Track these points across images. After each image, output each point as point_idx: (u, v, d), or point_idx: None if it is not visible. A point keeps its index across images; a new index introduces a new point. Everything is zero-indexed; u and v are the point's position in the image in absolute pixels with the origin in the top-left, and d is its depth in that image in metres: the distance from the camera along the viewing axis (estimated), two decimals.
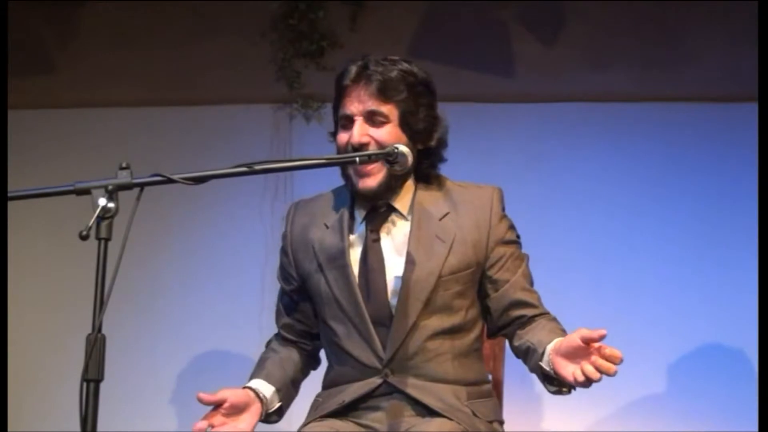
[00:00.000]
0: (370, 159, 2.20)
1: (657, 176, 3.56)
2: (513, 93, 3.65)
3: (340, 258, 2.31)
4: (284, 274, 2.46)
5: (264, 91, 3.69)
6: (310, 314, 2.43)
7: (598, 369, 1.93)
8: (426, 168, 2.36)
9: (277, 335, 2.51)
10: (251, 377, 2.38)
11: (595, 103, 3.62)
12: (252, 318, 3.52)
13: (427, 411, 2.22)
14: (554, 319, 2.30)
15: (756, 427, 2.37)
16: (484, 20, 3.66)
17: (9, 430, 2.82)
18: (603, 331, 1.95)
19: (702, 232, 3.52)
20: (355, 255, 2.30)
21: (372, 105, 2.25)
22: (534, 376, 2.22)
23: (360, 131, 2.24)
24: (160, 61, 3.70)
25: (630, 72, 3.61)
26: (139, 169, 1.88)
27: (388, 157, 2.20)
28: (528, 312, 2.30)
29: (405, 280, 2.25)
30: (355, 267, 2.29)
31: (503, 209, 2.37)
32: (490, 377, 2.44)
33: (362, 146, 2.23)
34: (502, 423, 2.36)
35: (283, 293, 2.47)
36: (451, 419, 2.19)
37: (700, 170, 3.57)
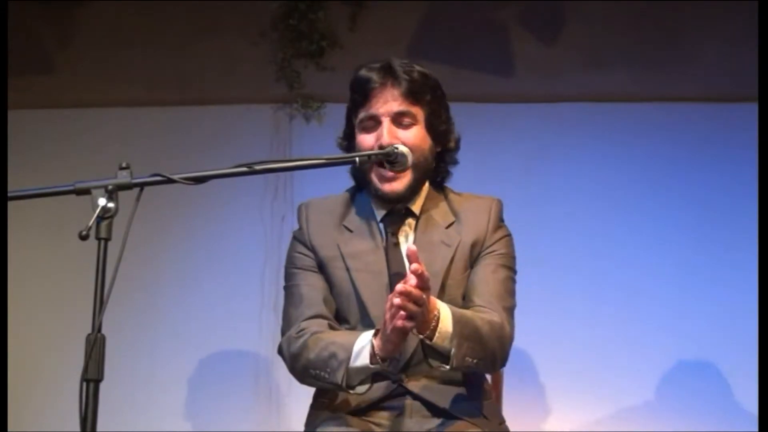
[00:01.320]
0: (370, 159, 2.21)
1: (657, 176, 3.56)
2: (512, 93, 3.65)
3: (373, 264, 2.28)
4: (302, 264, 2.34)
5: (264, 91, 3.69)
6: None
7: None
8: (443, 170, 2.37)
9: (305, 331, 2.24)
10: (348, 345, 2.13)
11: (595, 103, 3.63)
12: (252, 318, 3.52)
13: (440, 412, 2.22)
14: (483, 313, 2.22)
15: (756, 427, 2.37)
16: (484, 20, 3.67)
17: (9, 430, 2.81)
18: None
19: (702, 232, 3.52)
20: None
21: (401, 106, 2.25)
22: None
23: (390, 132, 2.24)
24: (160, 61, 3.70)
25: (630, 72, 3.61)
26: (139, 169, 1.89)
27: (388, 157, 2.20)
28: (473, 299, 2.26)
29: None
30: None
31: (502, 220, 2.39)
32: (489, 378, 2.44)
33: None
34: (504, 423, 2.35)
35: (301, 284, 2.32)
36: (469, 422, 2.19)
37: (700, 170, 3.57)
